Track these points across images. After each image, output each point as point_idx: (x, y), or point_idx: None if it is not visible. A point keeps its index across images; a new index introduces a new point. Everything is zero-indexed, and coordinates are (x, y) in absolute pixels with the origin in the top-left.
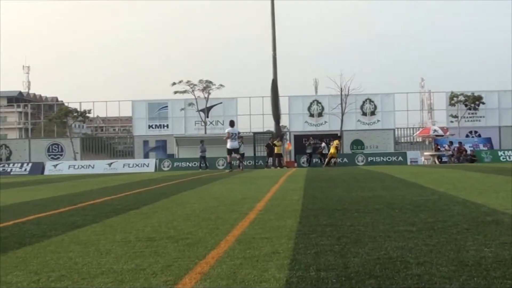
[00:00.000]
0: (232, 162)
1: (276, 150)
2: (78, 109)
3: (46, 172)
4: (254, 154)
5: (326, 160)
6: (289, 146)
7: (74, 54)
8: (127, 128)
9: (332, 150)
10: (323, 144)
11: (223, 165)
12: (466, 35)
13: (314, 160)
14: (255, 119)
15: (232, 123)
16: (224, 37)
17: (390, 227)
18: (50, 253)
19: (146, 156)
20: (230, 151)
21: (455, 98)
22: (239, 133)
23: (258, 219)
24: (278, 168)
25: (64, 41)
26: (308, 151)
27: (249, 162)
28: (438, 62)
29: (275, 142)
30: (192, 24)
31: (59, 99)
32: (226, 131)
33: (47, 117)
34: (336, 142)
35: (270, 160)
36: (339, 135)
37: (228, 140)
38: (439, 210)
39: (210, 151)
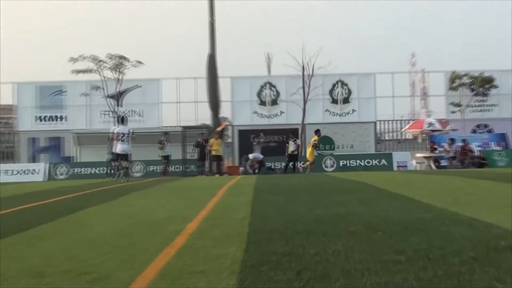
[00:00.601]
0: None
1: (213, 150)
2: None
3: None
4: (184, 156)
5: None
6: (221, 127)
7: None
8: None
9: (309, 150)
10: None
11: (140, 171)
12: None
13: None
14: (186, 109)
15: (122, 120)
16: None
17: (370, 256)
18: None
19: (34, 159)
20: (117, 157)
21: (457, 80)
22: (132, 133)
23: (189, 246)
24: (217, 175)
25: None
26: (255, 152)
27: (177, 168)
28: (434, 31)
29: (211, 139)
30: None
31: None
32: (112, 130)
33: None
34: (314, 139)
35: (207, 164)
36: (301, 130)
37: (115, 142)
38: (436, 233)
39: None
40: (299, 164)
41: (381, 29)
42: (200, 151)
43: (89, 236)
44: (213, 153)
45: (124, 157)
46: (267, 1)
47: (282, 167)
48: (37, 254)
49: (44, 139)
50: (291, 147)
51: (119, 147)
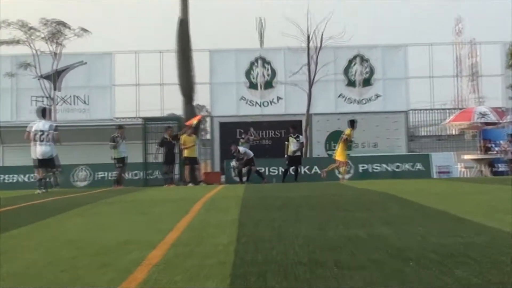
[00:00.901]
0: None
1: (185, 151)
2: None
3: None
4: (145, 159)
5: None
6: (196, 119)
7: None
8: None
9: (340, 148)
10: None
11: (85, 179)
12: None
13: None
14: (148, 94)
15: (43, 112)
16: None
17: None
18: None
19: None
20: (40, 162)
21: None
22: (55, 129)
23: (153, 282)
24: (191, 184)
25: None
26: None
27: (136, 175)
28: None
29: (183, 136)
30: None
31: None
32: (29, 129)
33: None
34: (347, 133)
35: (177, 169)
36: (305, 123)
37: (33, 144)
38: (492, 263)
39: (63, 153)
40: (323, 169)
41: None
42: (166, 151)
43: (17, 267)
44: (185, 154)
45: (46, 162)
46: None
47: (281, 173)
48: None
49: None
50: (292, 146)
51: (38, 150)
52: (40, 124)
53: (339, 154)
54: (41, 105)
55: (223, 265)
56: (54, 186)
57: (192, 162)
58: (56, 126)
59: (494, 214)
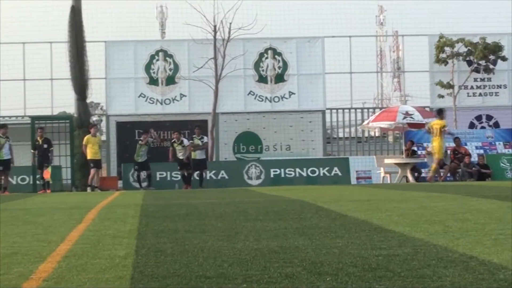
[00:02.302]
0: None
1: (90, 153)
2: None
3: None
4: (34, 162)
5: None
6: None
7: None
8: None
9: (437, 144)
10: None
11: None
12: None
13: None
14: (36, 90)
15: None
16: None
17: None
18: None
19: None
20: None
21: (447, 49)
22: None
23: None
24: (89, 189)
25: None
26: (141, 158)
27: (24, 179)
28: None
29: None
30: None
31: None
32: None
33: None
34: (441, 124)
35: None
36: (211, 122)
37: None
38: (415, 278)
39: None
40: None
41: None
42: (40, 155)
43: None
44: (89, 156)
45: None
46: None
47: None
48: None
49: None
50: (179, 152)
51: None
52: None
53: (438, 148)
54: None
55: (121, 279)
56: None
57: (97, 165)
58: None
59: (419, 225)
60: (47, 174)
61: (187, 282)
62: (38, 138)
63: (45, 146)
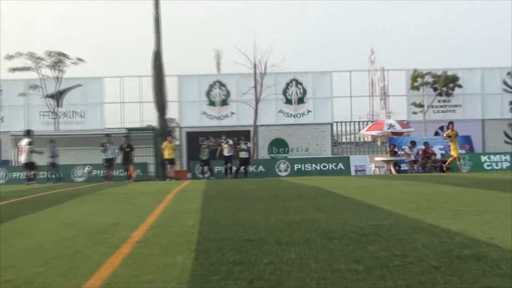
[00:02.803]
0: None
1: (166, 154)
2: None
3: None
4: (129, 159)
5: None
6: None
7: None
8: None
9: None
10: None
11: (81, 176)
12: None
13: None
14: (130, 109)
15: (27, 132)
16: None
17: (326, 265)
18: None
19: None
20: (24, 166)
21: (419, 79)
22: (29, 144)
23: (135, 255)
24: (168, 179)
25: None
26: (204, 157)
27: (122, 172)
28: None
29: (164, 142)
30: None
31: None
32: (18, 144)
33: None
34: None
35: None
36: (253, 132)
37: (20, 154)
38: (397, 241)
39: (64, 155)
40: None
41: (338, 24)
42: (124, 155)
43: (30, 245)
44: (166, 156)
45: (27, 166)
46: None
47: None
48: None
49: None
50: (225, 150)
51: (21, 158)
52: (23, 141)
53: (453, 149)
54: (27, 128)
55: (190, 242)
56: (51, 181)
57: (171, 162)
58: (30, 142)
59: (399, 204)
60: (131, 171)
61: (237, 244)
62: (123, 144)
63: (128, 149)
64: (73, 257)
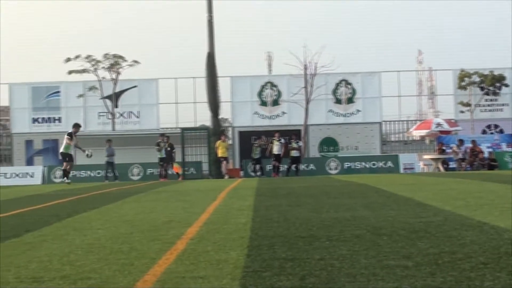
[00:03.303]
0: None
1: (220, 152)
2: None
3: None
4: (183, 158)
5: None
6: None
7: None
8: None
9: None
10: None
11: (138, 174)
12: None
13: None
14: (184, 109)
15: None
16: None
17: (376, 261)
18: None
19: (30, 162)
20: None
21: (466, 79)
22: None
23: (190, 251)
24: (227, 177)
25: None
26: (256, 156)
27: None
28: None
29: (218, 142)
30: None
31: None
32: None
33: None
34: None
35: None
36: (303, 131)
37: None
38: (445, 237)
39: (120, 154)
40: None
41: (386, 25)
42: (166, 155)
43: (87, 241)
44: (220, 154)
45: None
46: None
47: (285, 168)
48: (35, 259)
49: (40, 142)
50: (275, 147)
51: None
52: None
53: None
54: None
55: (242, 239)
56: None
57: (225, 160)
58: (69, 133)
59: (447, 201)
60: (176, 168)
61: (287, 240)
62: (165, 143)
63: (169, 149)
64: (128, 253)
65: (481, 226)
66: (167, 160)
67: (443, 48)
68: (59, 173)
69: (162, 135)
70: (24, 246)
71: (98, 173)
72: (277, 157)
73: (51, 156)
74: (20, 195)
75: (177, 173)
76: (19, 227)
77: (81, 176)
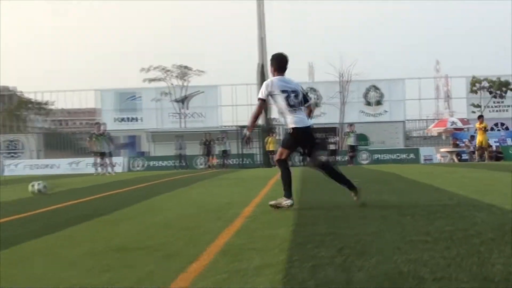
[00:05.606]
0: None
1: (271, 146)
2: (37, 100)
3: (7, 173)
4: (242, 151)
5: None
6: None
7: (34, 38)
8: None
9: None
10: None
11: (202, 164)
12: (488, 8)
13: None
14: (241, 110)
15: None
16: (202, 14)
17: (400, 237)
18: (9, 266)
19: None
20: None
21: (477, 84)
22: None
23: (245, 227)
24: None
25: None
26: (350, 142)
27: (235, 161)
28: (456, 41)
29: (268, 138)
30: None
31: (18, 89)
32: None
33: (5, 110)
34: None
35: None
36: (339, 129)
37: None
38: (459, 217)
39: (189, 147)
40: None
41: (409, 39)
42: (207, 149)
43: (161, 219)
44: (270, 148)
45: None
46: (309, 14)
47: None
48: (118, 234)
49: (123, 137)
50: (351, 139)
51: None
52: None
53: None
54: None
55: (289, 218)
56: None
57: (275, 153)
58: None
59: (461, 187)
60: (211, 160)
61: (327, 219)
62: (208, 139)
63: (207, 143)
64: (196, 229)
65: (490, 208)
66: (206, 152)
67: (458, 58)
68: (139, 162)
69: (223, 132)
70: (109, 223)
71: (170, 162)
72: (353, 148)
73: (133, 149)
74: (107, 180)
75: (212, 164)
76: (105, 207)
77: (156, 165)
